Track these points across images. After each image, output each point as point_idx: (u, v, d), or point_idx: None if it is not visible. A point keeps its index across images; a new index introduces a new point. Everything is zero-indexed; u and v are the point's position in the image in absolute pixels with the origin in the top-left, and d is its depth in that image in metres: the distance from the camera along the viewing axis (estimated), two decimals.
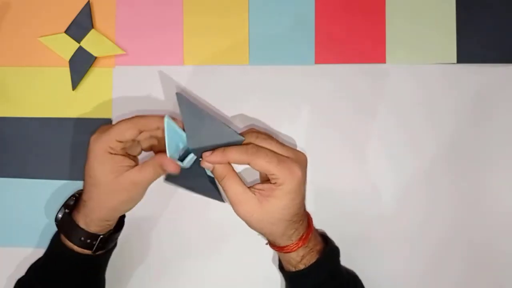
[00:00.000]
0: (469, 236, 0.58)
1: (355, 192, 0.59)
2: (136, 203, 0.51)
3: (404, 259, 0.58)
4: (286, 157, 0.48)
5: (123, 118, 0.59)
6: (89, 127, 0.59)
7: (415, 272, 0.58)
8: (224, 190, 0.49)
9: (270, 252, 0.58)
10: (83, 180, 0.51)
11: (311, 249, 0.51)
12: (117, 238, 0.55)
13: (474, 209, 0.58)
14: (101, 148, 0.48)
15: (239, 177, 0.48)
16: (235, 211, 0.49)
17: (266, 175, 0.48)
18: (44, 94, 0.60)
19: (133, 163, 0.50)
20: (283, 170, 0.47)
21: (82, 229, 0.50)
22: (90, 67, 0.59)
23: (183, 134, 0.49)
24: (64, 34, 0.59)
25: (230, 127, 0.48)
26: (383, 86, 0.59)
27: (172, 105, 0.59)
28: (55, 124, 0.60)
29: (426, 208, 0.58)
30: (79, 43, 0.59)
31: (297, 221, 0.49)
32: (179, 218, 0.59)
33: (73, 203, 0.53)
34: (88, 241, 0.51)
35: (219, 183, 0.49)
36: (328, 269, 0.52)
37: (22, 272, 0.59)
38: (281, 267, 0.54)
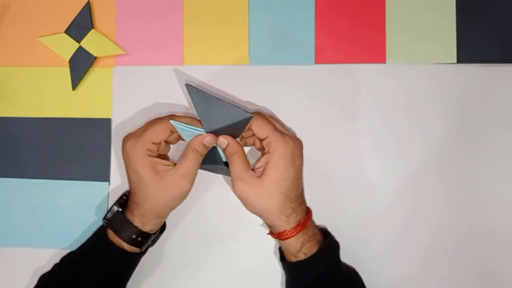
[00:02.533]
0: (469, 236, 0.58)
1: (355, 192, 0.59)
2: (185, 197, 0.53)
3: (401, 261, 0.59)
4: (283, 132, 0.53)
5: (123, 118, 0.59)
6: (89, 127, 0.60)
7: (413, 272, 0.59)
8: (230, 165, 0.52)
9: (271, 248, 0.59)
10: (130, 184, 0.53)
11: (310, 237, 0.52)
12: (158, 238, 0.57)
13: (475, 208, 0.58)
14: (140, 153, 0.52)
15: (246, 158, 0.52)
16: (233, 188, 0.52)
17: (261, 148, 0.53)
18: (44, 94, 0.60)
19: (169, 162, 0.53)
20: (277, 137, 0.51)
21: (136, 227, 0.53)
22: (90, 67, 0.59)
23: (192, 128, 0.52)
24: (64, 34, 0.59)
25: (238, 107, 0.51)
26: (383, 86, 0.59)
27: (172, 105, 0.59)
28: (55, 124, 0.60)
29: (428, 208, 0.58)
30: (79, 43, 0.59)
31: (293, 200, 0.51)
32: (184, 220, 0.59)
33: (124, 202, 0.55)
34: (139, 239, 0.53)
35: (228, 158, 0.52)
36: (329, 261, 0.52)
37: (21, 272, 0.59)
38: (283, 259, 0.54)
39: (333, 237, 0.55)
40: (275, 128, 0.52)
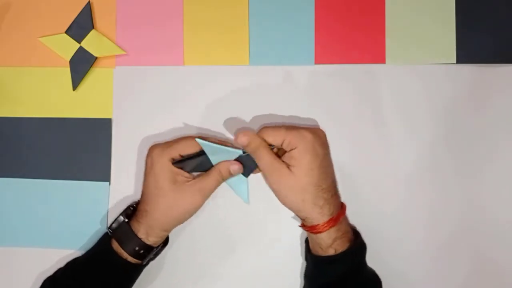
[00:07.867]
0: (467, 238, 0.58)
1: (355, 192, 0.59)
2: (194, 213, 0.54)
3: (396, 259, 0.59)
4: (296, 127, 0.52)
5: (124, 118, 0.60)
6: (89, 127, 0.60)
7: (412, 273, 0.59)
8: (257, 161, 0.52)
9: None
10: (145, 191, 0.54)
11: (343, 233, 0.52)
12: (160, 253, 0.57)
13: (478, 209, 0.58)
14: (165, 161, 0.53)
15: (270, 149, 0.52)
16: (267, 182, 0.52)
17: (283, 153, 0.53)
18: (44, 94, 0.60)
19: (189, 175, 0.54)
20: (292, 134, 0.51)
21: (140, 239, 0.53)
22: (90, 67, 0.59)
23: (221, 147, 0.53)
24: (65, 35, 0.59)
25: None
26: (383, 86, 0.59)
27: (172, 106, 0.59)
28: (55, 124, 0.60)
29: (429, 208, 0.58)
30: (79, 43, 0.59)
31: (325, 190, 0.51)
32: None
33: (131, 212, 0.55)
34: (142, 251, 0.53)
35: (254, 155, 0.52)
36: (356, 261, 0.52)
37: (21, 272, 0.59)
38: (308, 251, 0.54)
39: (362, 237, 0.55)
40: (287, 128, 0.52)
